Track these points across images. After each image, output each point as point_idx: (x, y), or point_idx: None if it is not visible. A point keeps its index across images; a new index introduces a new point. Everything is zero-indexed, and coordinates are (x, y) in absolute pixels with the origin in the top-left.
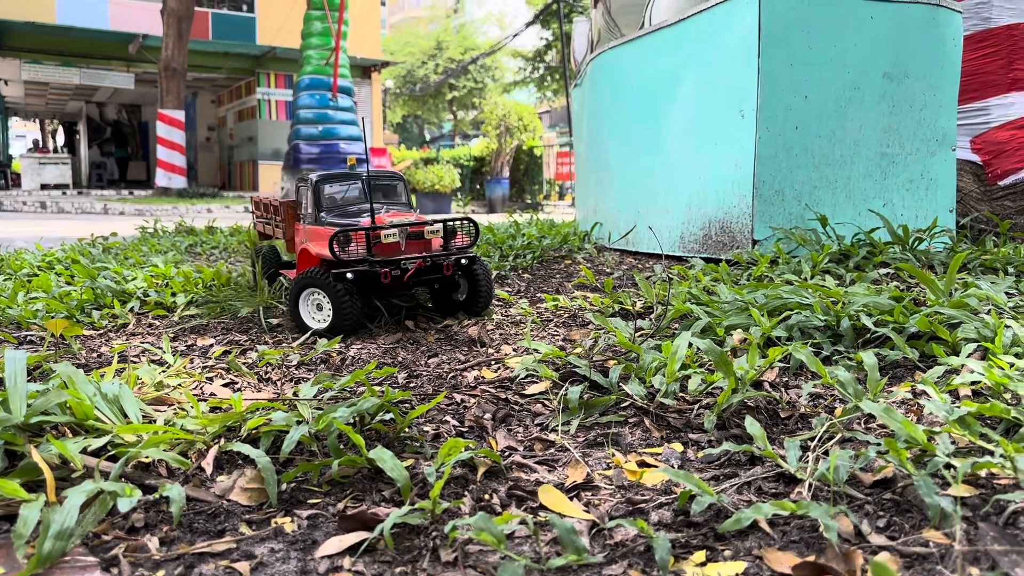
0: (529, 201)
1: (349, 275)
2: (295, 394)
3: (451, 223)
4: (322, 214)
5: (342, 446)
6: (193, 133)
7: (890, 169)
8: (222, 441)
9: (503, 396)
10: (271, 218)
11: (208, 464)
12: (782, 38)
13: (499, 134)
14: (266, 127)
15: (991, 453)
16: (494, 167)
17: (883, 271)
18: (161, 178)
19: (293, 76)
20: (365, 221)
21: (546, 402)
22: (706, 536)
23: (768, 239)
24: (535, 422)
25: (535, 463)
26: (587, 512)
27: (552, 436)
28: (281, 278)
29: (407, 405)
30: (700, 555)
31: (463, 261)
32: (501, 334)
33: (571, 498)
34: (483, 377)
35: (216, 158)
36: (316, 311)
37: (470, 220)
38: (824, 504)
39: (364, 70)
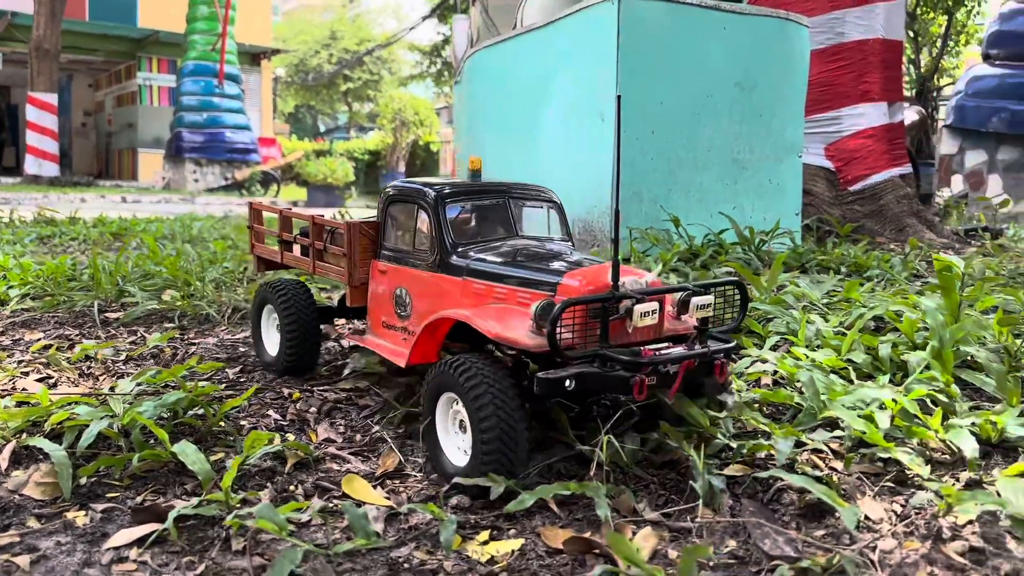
0: None
1: (570, 382)
2: (112, 389)
3: (716, 288)
4: (454, 255)
5: (152, 440)
6: (67, 118)
7: (741, 175)
8: (23, 436)
9: (328, 391)
10: (313, 244)
11: (3, 459)
12: (640, 46)
13: (395, 128)
14: (147, 114)
15: (768, 436)
16: (389, 161)
17: (724, 269)
18: (31, 165)
19: (177, 61)
20: (572, 276)
21: (379, 394)
22: (497, 518)
23: (626, 239)
24: (361, 415)
25: (349, 454)
26: (388, 499)
27: (375, 428)
28: (341, 344)
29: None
30: (485, 535)
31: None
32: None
33: (378, 486)
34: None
35: (93, 145)
36: (456, 431)
37: (739, 285)
38: (607, 485)
39: (253, 57)
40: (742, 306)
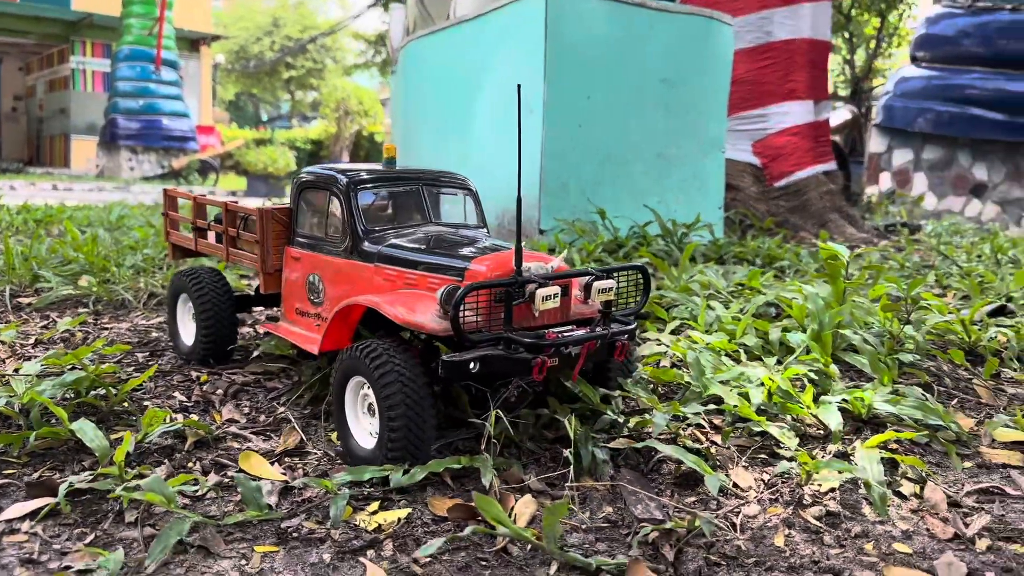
0: None
1: (474, 365)
2: (16, 371)
3: (618, 273)
4: (366, 241)
5: (53, 420)
6: None
7: (666, 169)
8: None
9: (236, 374)
10: (226, 231)
11: None
12: (567, 40)
13: (338, 118)
14: (81, 99)
15: (651, 411)
16: (333, 151)
17: (644, 259)
18: None
19: (112, 45)
20: (480, 262)
21: (288, 377)
22: (391, 492)
23: (553, 229)
24: (268, 397)
25: (251, 433)
26: (284, 475)
27: (281, 410)
28: (256, 330)
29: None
30: (375, 505)
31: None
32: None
33: (276, 463)
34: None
35: (23, 130)
36: (365, 415)
37: (642, 270)
38: (498, 458)
39: (192, 43)
40: (645, 291)
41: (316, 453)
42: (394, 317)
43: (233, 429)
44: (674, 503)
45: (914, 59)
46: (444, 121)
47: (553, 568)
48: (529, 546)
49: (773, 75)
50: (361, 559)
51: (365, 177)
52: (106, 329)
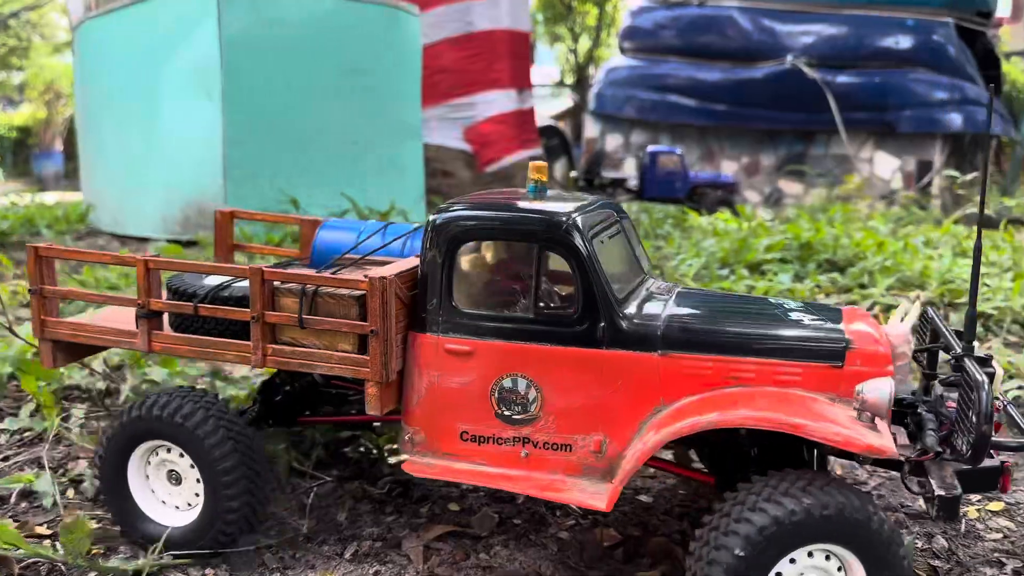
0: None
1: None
2: None
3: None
4: (625, 318)
5: None
6: None
7: (362, 156)
8: None
9: None
10: (262, 316)
11: None
12: (245, 26)
13: (48, 101)
14: None
15: None
16: (43, 139)
17: None
18: None
19: None
20: (861, 338)
21: None
22: None
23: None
24: None
25: None
26: None
27: None
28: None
29: None
30: None
31: None
32: None
33: None
34: None
35: None
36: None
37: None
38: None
39: None
40: None
41: None
42: (830, 440)
43: None
44: None
45: (622, 49)
46: (127, 108)
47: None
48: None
49: (477, 64)
50: None
51: (585, 219)
52: None
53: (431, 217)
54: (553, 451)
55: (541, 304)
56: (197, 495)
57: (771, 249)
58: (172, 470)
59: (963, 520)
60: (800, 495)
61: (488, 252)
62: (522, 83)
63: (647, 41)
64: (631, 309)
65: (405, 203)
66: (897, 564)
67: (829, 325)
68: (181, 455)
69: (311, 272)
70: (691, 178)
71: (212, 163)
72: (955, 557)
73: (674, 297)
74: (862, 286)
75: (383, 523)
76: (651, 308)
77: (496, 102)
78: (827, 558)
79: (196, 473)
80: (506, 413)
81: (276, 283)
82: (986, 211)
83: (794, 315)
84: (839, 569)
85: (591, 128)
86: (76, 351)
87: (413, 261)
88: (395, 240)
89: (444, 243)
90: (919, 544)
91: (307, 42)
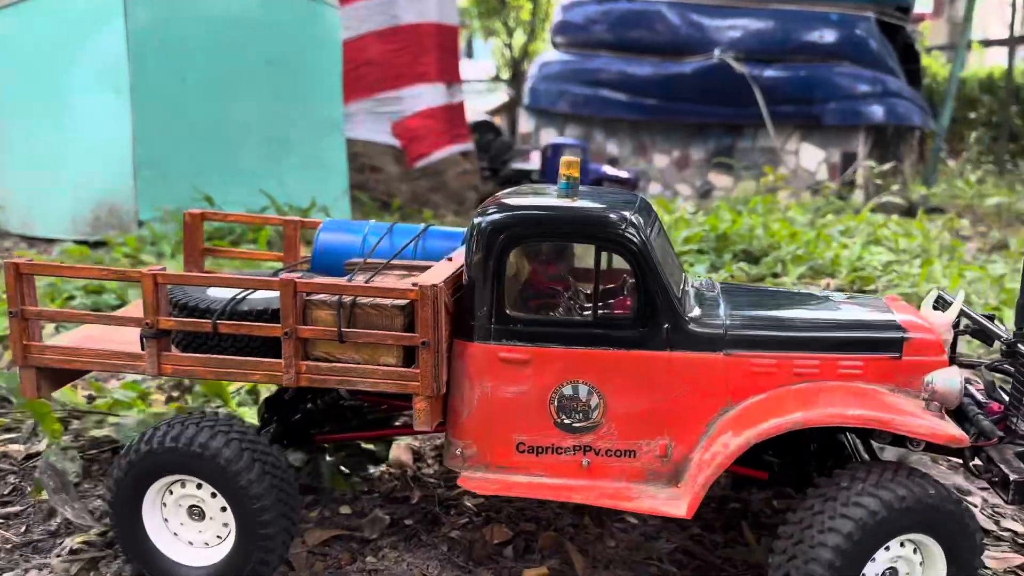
0: None
1: None
2: None
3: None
4: (692, 319)
5: None
6: None
7: (282, 152)
8: None
9: None
10: (295, 330)
11: None
12: (152, 18)
13: None
14: None
15: None
16: None
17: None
18: None
19: None
20: (914, 327)
21: None
22: None
23: (154, 219)
24: None
25: None
26: None
27: None
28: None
29: None
30: None
31: None
32: None
33: None
34: None
35: None
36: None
37: None
38: None
39: None
40: None
41: None
42: (932, 435)
43: None
44: None
45: (554, 44)
46: (34, 105)
47: None
48: None
49: (404, 58)
50: None
51: (638, 217)
52: None
53: (476, 220)
54: (617, 458)
55: (604, 307)
56: (225, 525)
57: (689, 240)
58: (193, 505)
59: None
60: (893, 487)
61: (535, 255)
62: (451, 77)
63: (579, 36)
64: (690, 309)
65: (327, 199)
66: (974, 549)
67: (884, 317)
68: (199, 486)
69: (347, 282)
70: (593, 172)
71: (121, 161)
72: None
73: (722, 294)
74: (775, 275)
75: None
76: (707, 307)
77: (424, 96)
78: (904, 545)
79: (220, 503)
80: (566, 421)
81: (307, 295)
82: (907, 199)
83: (846, 308)
84: (915, 551)
85: (526, 123)
86: (62, 377)
87: (449, 266)
88: (410, 243)
89: (495, 247)
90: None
91: (221, 35)
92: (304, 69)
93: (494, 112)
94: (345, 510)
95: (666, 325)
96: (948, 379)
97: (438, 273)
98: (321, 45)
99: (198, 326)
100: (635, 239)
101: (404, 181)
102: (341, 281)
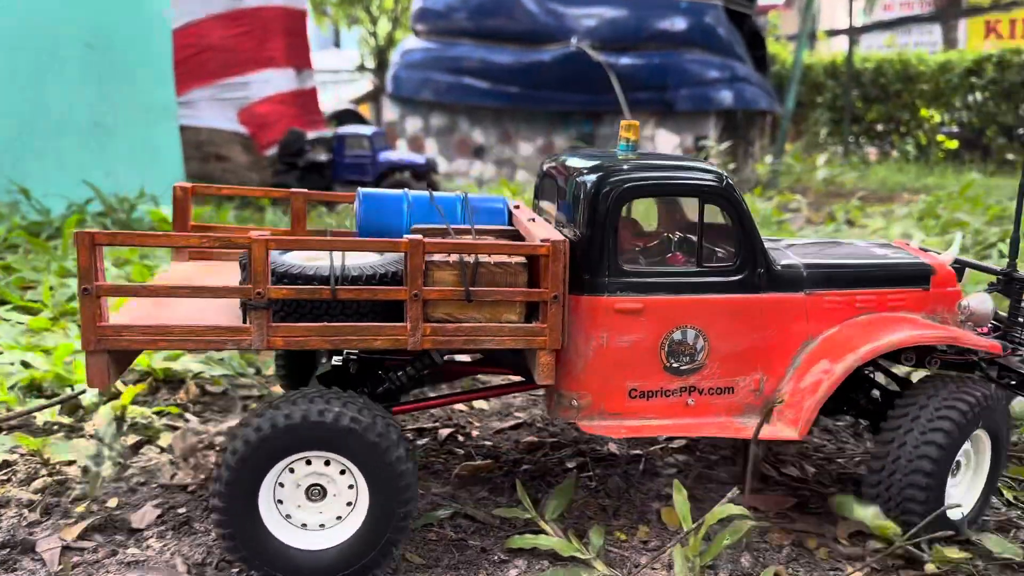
0: None
1: None
2: None
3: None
4: (776, 262)
5: None
6: None
7: (108, 140)
8: None
9: None
10: (419, 289)
11: None
12: None
13: None
14: None
15: None
16: None
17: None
18: None
19: None
20: (933, 261)
21: None
22: None
23: None
24: None
25: None
26: None
27: None
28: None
29: None
30: None
31: None
32: None
33: None
34: None
35: None
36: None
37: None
38: None
39: None
40: None
41: None
42: (992, 348)
43: None
44: None
45: (415, 32)
46: None
47: None
48: None
49: (249, 42)
50: None
51: (727, 173)
52: None
53: (581, 179)
54: (718, 395)
55: (708, 256)
56: (349, 504)
57: None
58: (315, 484)
59: (643, 460)
60: (971, 390)
61: (665, 209)
62: (300, 62)
63: (439, 23)
64: (774, 256)
65: (159, 189)
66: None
67: (911, 256)
68: (327, 463)
69: (474, 240)
70: (381, 161)
71: None
72: (626, 495)
73: (784, 244)
74: None
75: (19, 528)
76: (781, 255)
77: (272, 81)
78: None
79: (348, 480)
80: (674, 365)
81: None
82: (754, 175)
83: (880, 251)
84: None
85: (390, 112)
86: (125, 360)
87: (546, 225)
88: (466, 208)
89: (610, 203)
90: (593, 484)
91: (36, 16)
92: (130, 52)
93: (359, 101)
94: (112, 503)
95: (760, 270)
96: (982, 301)
97: (548, 230)
98: (148, 27)
99: (317, 293)
100: (733, 194)
101: (254, 169)
102: (468, 239)
